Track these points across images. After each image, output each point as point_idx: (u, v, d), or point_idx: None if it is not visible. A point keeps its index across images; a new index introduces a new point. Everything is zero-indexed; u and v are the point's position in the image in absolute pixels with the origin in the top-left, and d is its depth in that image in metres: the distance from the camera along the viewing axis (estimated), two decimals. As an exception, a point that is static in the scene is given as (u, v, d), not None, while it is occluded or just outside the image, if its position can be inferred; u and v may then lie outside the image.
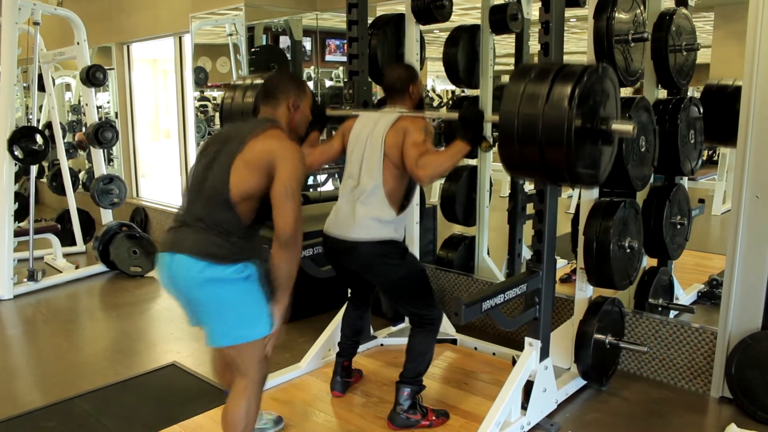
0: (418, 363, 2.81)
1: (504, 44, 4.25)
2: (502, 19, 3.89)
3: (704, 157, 3.55)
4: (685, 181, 3.73)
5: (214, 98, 9.78)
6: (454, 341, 3.70)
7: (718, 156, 6.55)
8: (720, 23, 4.89)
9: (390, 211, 2.71)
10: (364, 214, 2.70)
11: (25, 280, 5.02)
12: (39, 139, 5.04)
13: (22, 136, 4.94)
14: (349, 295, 3.22)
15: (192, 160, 6.36)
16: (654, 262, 3.79)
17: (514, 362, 3.01)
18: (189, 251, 2.09)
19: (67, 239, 6.12)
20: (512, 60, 4.10)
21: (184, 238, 2.13)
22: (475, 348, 3.64)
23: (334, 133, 3.08)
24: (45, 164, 7.39)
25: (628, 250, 3.00)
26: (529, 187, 4.64)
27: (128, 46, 7.29)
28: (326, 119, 3.24)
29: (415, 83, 2.90)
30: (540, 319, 2.74)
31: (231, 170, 2.10)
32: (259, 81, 3.15)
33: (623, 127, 2.26)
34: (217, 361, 2.59)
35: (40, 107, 6.86)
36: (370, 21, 3.68)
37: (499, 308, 2.54)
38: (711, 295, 4.17)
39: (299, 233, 2.12)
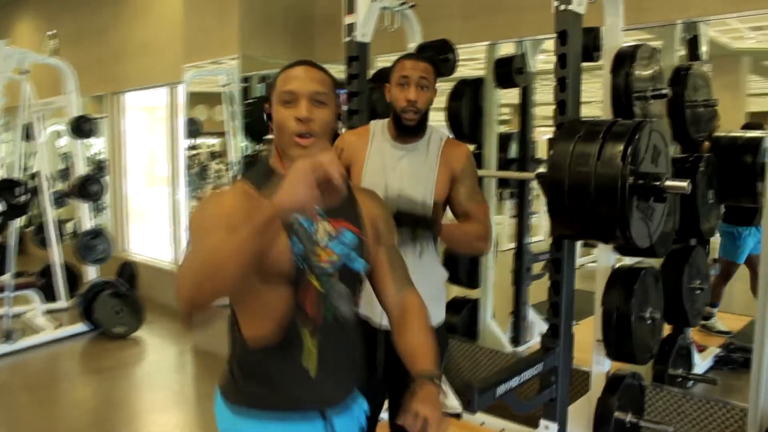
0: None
1: (501, 94, 4.15)
2: (507, 73, 3.77)
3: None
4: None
5: (210, 145, 9.62)
6: (458, 416, 3.44)
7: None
8: (716, 74, 4.87)
9: None
10: None
11: (2, 340, 4.75)
12: (19, 192, 4.83)
13: (1, 190, 4.73)
14: None
15: (183, 207, 6.15)
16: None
17: (527, 445, 2.76)
18: None
19: (51, 294, 5.86)
20: (509, 110, 4.05)
21: None
22: (482, 423, 3.38)
23: None
24: (35, 212, 7.16)
25: (650, 321, 2.77)
26: (536, 249, 4.42)
27: (122, 95, 7.16)
28: None
29: None
30: (557, 399, 2.52)
31: None
32: None
33: (677, 183, 2.16)
34: None
35: (33, 154, 6.67)
36: (371, 75, 3.53)
37: (515, 392, 2.31)
38: (728, 360, 3.96)
39: None
